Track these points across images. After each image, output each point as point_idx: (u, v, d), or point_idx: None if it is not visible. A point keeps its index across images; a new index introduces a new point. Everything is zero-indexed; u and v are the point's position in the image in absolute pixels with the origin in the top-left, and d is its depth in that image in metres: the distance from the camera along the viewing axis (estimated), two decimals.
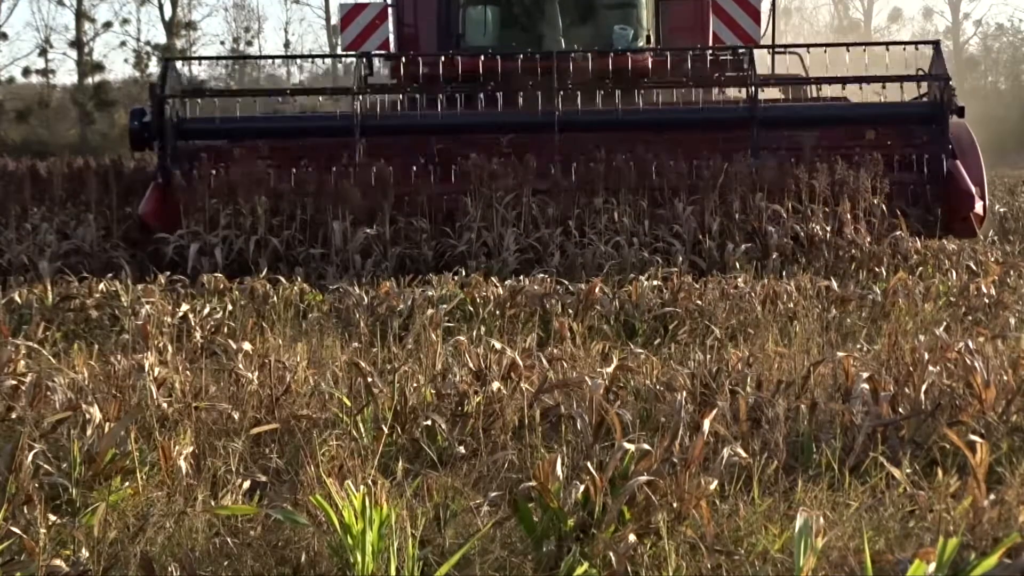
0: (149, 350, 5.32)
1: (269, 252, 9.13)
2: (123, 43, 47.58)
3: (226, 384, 4.83)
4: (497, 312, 6.68)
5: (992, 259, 9.03)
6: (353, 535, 2.96)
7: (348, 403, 4.41)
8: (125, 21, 44.88)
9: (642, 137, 9.66)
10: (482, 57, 10.01)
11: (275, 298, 7.13)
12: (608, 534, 3.11)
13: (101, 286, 7.44)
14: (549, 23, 11.20)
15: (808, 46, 11.40)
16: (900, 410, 4.25)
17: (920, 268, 8.73)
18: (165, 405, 4.41)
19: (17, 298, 7.11)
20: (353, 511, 2.97)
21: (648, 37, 11.60)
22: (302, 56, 47.05)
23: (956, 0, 55.67)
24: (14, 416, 4.37)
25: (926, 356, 4.77)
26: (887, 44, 10.66)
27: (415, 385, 4.54)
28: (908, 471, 3.66)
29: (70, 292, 7.31)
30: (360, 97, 9.78)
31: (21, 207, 9.78)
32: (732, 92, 11.07)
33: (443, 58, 10.22)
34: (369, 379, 4.46)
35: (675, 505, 3.25)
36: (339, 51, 13.62)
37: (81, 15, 41.46)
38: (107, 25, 43.04)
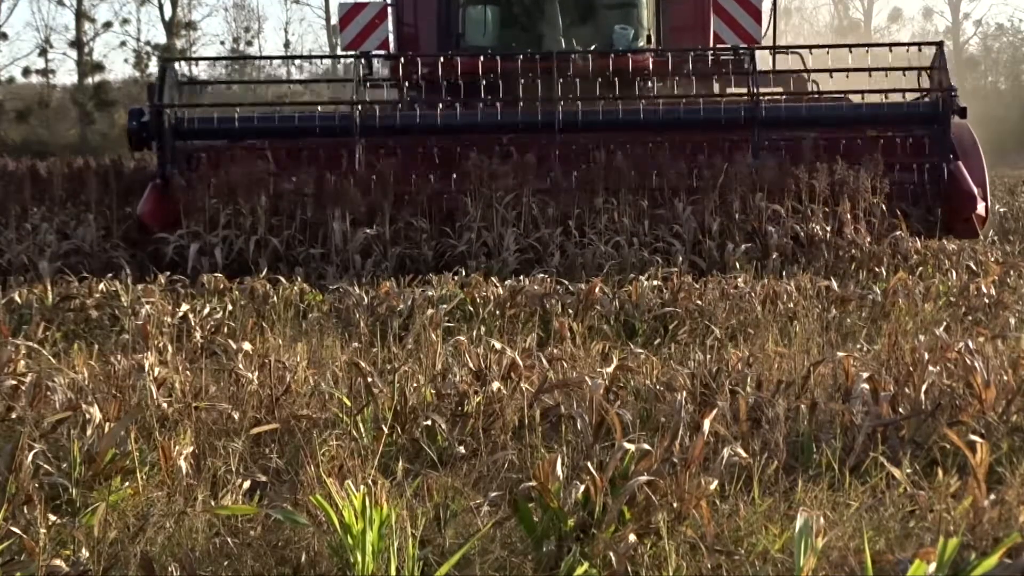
0: (149, 350, 5.32)
1: (269, 252, 9.13)
2: (123, 43, 47.58)
3: (226, 384, 4.83)
4: (497, 312, 6.68)
5: (992, 259, 9.03)
6: (353, 535, 2.96)
7: (348, 403, 4.41)
8: (125, 21, 44.90)
9: (643, 138, 9.65)
10: (481, 59, 9.99)
11: (275, 298, 7.13)
12: (608, 534, 3.11)
13: (101, 286, 7.44)
14: (549, 23, 11.18)
15: (811, 47, 11.32)
16: (900, 410, 4.25)
17: (920, 268, 8.73)
18: (165, 405, 4.41)
19: (17, 298, 7.11)
20: (353, 511, 2.97)
21: (649, 37, 11.56)
22: (301, 56, 47.06)
23: (956, 0, 55.68)
24: (14, 416, 4.37)
25: (926, 356, 4.77)
26: (891, 45, 10.61)
27: (415, 385, 4.54)
28: (908, 471, 3.66)
29: (70, 292, 7.31)
30: (359, 97, 9.76)
31: (21, 207, 9.77)
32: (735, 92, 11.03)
33: (442, 59, 10.20)
34: (369, 379, 4.46)
35: (675, 505, 3.25)
36: (339, 50, 13.59)
37: (81, 15, 41.46)
38: (107, 25, 43.05)
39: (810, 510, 2.90)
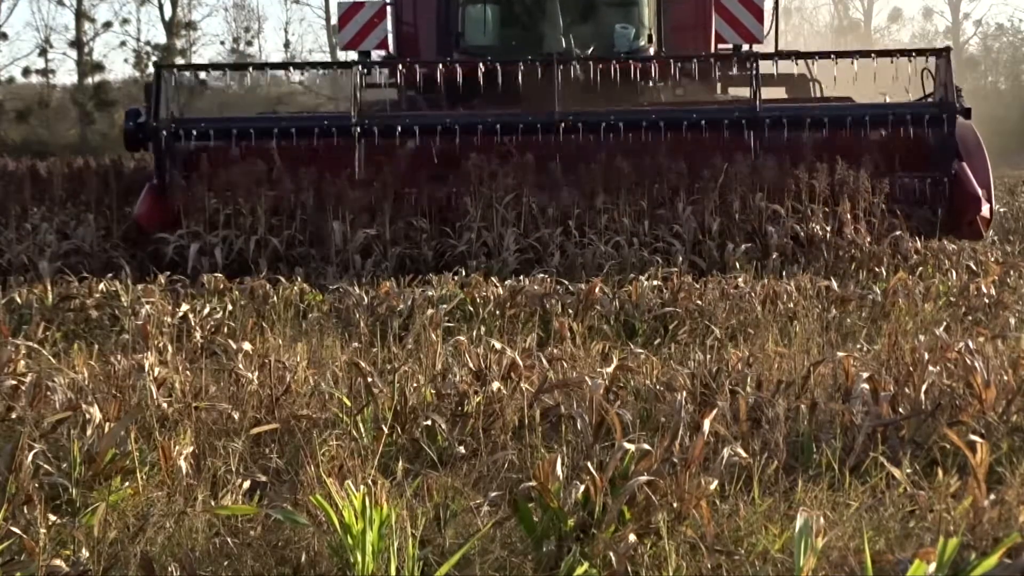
0: (149, 350, 5.32)
1: (269, 252, 9.13)
2: (123, 43, 47.50)
3: (226, 384, 4.83)
4: (497, 312, 6.68)
5: (992, 259, 9.03)
6: (353, 535, 2.96)
7: (348, 403, 4.41)
8: (125, 21, 44.78)
9: (645, 138, 9.62)
10: (481, 65, 9.96)
11: (275, 298, 7.12)
12: (608, 534, 3.11)
13: (101, 286, 7.44)
14: (550, 22, 11.15)
15: (815, 55, 11.09)
16: (900, 410, 4.25)
17: (920, 268, 8.72)
18: (165, 405, 4.41)
19: (17, 298, 7.11)
20: (353, 511, 2.97)
21: (650, 36, 11.53)
22: (299, 65, 46.99)
23: (956, 0, 55.68)
24: (14, 416, 4.37)
25: (926, 356, 4.77)
26: (895, 53, 10.51)
27: (415, 385, 4.54)
28: (908, 471, 3.66)
29: (70, 292, 7.31)
30: (358, 98, 9.75)
31: (21, 207, 9.77)
32: (736, 92, 11.03)
33: (441, 66, 10.17)
34: (369, 379, 4.46)
35: (675, 505, 3.25)
36: (338, 50, 13.58)
37: (81, 15, 41.42)
38: (107, 25, 42.99)
39: (810, 510, 2.90)
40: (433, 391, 4.53)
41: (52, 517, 3.29)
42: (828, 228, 9.12)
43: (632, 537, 3.02)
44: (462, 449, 4.12)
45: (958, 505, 3.30)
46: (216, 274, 7.97)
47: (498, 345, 5.18)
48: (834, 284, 7.46)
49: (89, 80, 38.72)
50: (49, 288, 7.37)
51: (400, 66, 10.55)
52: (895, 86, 10.04)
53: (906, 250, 9.00)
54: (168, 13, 43.39)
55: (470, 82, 9.97)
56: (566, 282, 7.52)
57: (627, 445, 3.34)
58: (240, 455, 3.91)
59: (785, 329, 6.21)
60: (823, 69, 10.61)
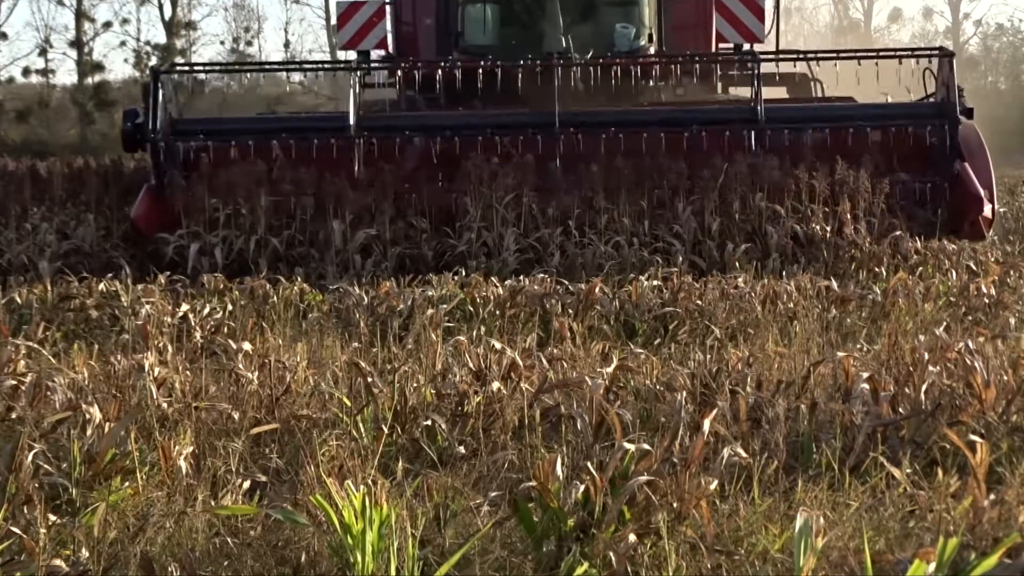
0: (149, 350, 5.32)
1: (269, 252, 9.12)
2: (123, 43, 47.39)
3: (226, 384, 4.83)
4: (497, 312, 6.68)
5: (992, 259, 9.02)
6: (353, 535, 2.96)
7: (348, 403, 4.41)
8: (125, 21, 44.70)
9: (645, 138, 9.61)
10: (481, 65, 9.94)
11: (275, 298, 7.12)
12: (608, 534, 3.11)
13: (101, 286, 7.44)
14: (550, 21, 11.12)
15: (816, 54, 11.06)
16: (900, 410, 4.25)
17: (920, 268, 8.72)
18: (165, 405, 4.41)
19: (17, 298, 7.11)
20: (353, 511, 2.97)
21: (650, 35, 11.50)
22: (302, 62, 46.99)
23: (956, 0, 55.67)
24: (14, 416, 4.37)
25: (926, 356, 4.77)
26: (897, 52, 10.48)
27: (415, 385, 4.54)
28: (908, 471, 3.66)
29: (70, 292, 7.31)
30: (356, 98, 9.73)
31: (21, 207, 9.77)
32: (736, 91, 11.01)
33: (441, 66, 10.15)
34: (369, 379, 4.46)
35: (675, 505, 3.25)
36: (337, 49, 13.56)
37: (81, 15, 41.40)
38: (107, 25, 42.96)
39: (810, 510, 2.90)
40: (433, 391, 4.53)
41: (52, 517, 3.29)
42: (828, 228, 9.11)
43: (632, 537, 3.02)
44: (462, 449, 4.12)
45: (958, 505, 3.30)
46: (216, 274, 7.97)
47: (498, 345, 5.18)
48: (834, 284, 7.46)
49: (89, 80, 38.70)
50: (49, 288, 7.37)
51: (399, 72, 10.54)
52: (897, 86, 10.01)
53: (906, 250, 8.99)
54: (168, 13, 43.37)
55: (470, 82, 9.96)
56: (566, 282, 7.52)
57: (627, 445, 3.34)
58: (240, 455, 3.91)
59: (785, 329, 6.21)
60: (824, 69, 10.59)
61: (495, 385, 4.48)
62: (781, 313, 6.61)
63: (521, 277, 7.92)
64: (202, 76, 17.37)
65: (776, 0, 12.16)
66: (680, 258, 8.81)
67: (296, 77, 36.17)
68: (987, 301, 7.01)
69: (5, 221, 9.63)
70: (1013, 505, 3.26)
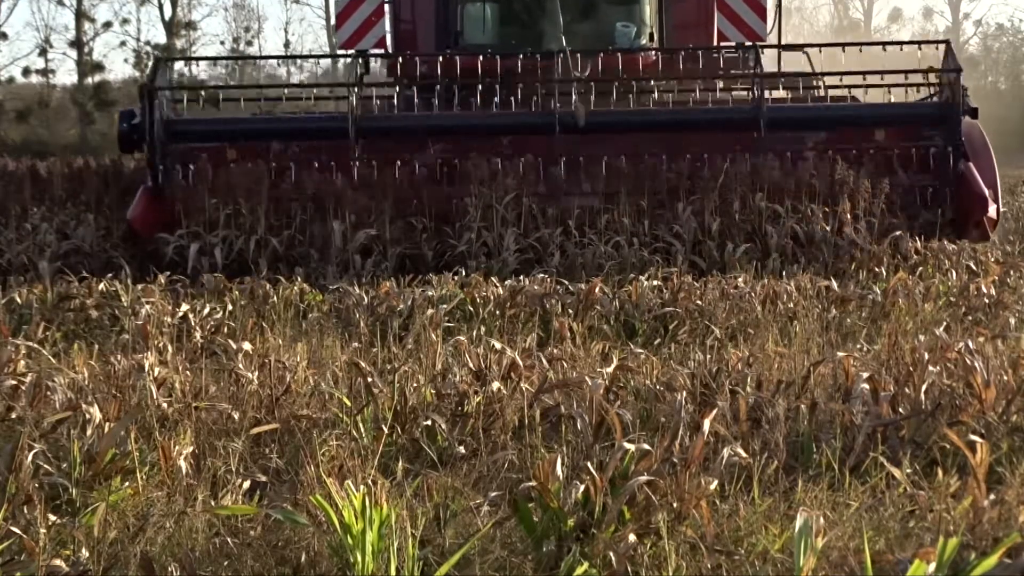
0: (149, 350, 5.32)
1: (269, 252, 9.12)
2: (123, 43, 47.53)
3: (226, 384, 4.83)
4: (497, 312, 6.68)
5: (992, 259, 9.02)
6: (353, 535, 2.96)
7: (348, 403, 4.41)
8: (125, 21, 44.84)
9: (644, 138, 9.60)
10: (481, 58, 9.92)
11: (275, 298, 7.12)
12: (608, 534, 3.11)
13: (101, 286, 7.44)
14: (550, 20, 11.09)
15: (818, 46, 11.07)
16: (900, 410, 4.25)
17: (920, 268, 8.72)
18: (165, 405, 4.41)
19: (17, 298, 7.11)
20: (353, 511, 2.97)
21: (651, 35, 11.47)
22: (299, 56, 47.03)
23: (956, 0, 55.70)
24: (14, 416, 4.37)
25: (926, 356, 4.77)
26: (900, 44, 10.44)
27: (415, 385, 4.54)
28: (908, 471, 3.66)
29: (70, 292, 7.31)
30: (356, 91, 9.70)
31: (21, 207, 9.77)
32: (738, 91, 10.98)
33: (441, 59, 10.12)
34: (369, 379, 4.46)
35: (675, 505, 3.25)
36: (336, 50, 13.54)
37: (81, 15, 41.45)
38: (107, 25, 43.04)
39: (810, 510, 2.90)
40: (433, 391, 4.53)
41: (52, 517, 3.29)
42: (828, 228, 9.11)
43: (632, 537, 3.02)
44: (462, 449, 4.12)
45: (958, 505, 3.30)
46: (216, 274, 7.97)
47: (498, 345, 5.18)
48: (834, 284, 7.46)
49: (89, 80, 38.74)
50: (49, 288, 7.37)
51: (398, 66, 10.50)
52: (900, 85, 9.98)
53: (906, 250, 8.98)
54: (168, 13, 43.42)
55: (469, 80, 9.93)
56: (566, 282, 7.52)
57: (627, 445, 3.34)
58: (240, 455, 3.91)
59: (785, 329, 6.21)
60: (827, 68, 10.55)
61: (495, 385, 4.48)
62: (781, 313, 6.61)
63: (521, 277, 7.92)
64: (203, 77, 17.31)
65: None
66: (680, 258, 8.81)
67: (296, 77, 36.17)
68: (987, 301, 7.01)
69: (5, 221, 9.64)
70: (1013, 505, 3.26)
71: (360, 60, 10.86)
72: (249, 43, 49.04)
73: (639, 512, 3.22)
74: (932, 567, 2.61)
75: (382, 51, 12.10)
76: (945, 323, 6.43)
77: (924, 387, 4.39)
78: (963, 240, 9.42)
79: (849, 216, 9.17)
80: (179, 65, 43.34)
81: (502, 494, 3.51)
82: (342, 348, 5.77)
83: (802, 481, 3.67)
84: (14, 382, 4.58)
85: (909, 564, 2.65)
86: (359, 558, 2.95)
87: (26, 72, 40.80)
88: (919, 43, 10.41)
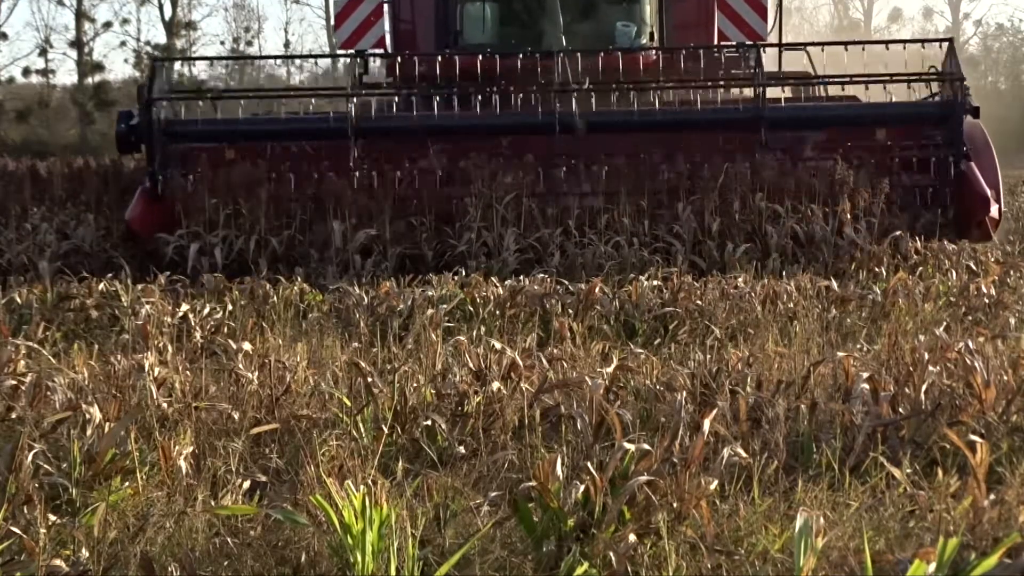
0: (149, 350, 5.32)
1: (269, 252, 9.12)
2: (123, 43, 47.57)
3: (226, 384, 4.83)
4: (497, 312, 6.68)
5: (992, 259, 9.02)
6: (353, 535, 2.96)
7: (348, 403, 4.41)
8: (125, 21, 44.82)
9: (644, 138, 9.58)
10: (480, 57, 9.90)
11: (275, 298, 7.12)
12: (608, 534, 3.11)
13: (101, 286, 7.44)
14: (550, 19, 11.07)
15: (820, 44, 11.02)
16: (900, 410, 4.25)
17: (920, 268, 8.72)
18: (165, 405, 4.41)
19: (17, 298, 7.11)
20: (353, 511, 2.97)
21: (651, 34, 11.45)
22: (298, 56, 47.02)
23: (956, 0, 55.71)
24: (14, 416, 4.37)
25: (926, 356, 4.77)
26: (903, 42, 10.39)
27: (415, 385, 4.54)
28: (908, 471, 3.66)
29: (70, 292, 7.31)
30: (354, 99, 9.69)
31: (21, 207, 9.78)
32: (738, 91, 10.97)
33: (440, 58, 10.09)
34: (369, 379, 4.46)
35: (675, 505, 3.25)
36: (336, 49, 13.51)
37: (81, 15, 41.44)
38: (107, 25, 43.03)
39: (810, 510, 2.90)
40: (433, 391, 4.53)
41: (52, 517, 3.29)
42: (828, 228, 9.11)
43: (632, 537, 3.02)
44: (462, 449, 4.12)
45: (958, 505, 3.30)
46: (216, 274, 7.97)
47: (498, 345, 5.18)
48: (834, 284, 7.46)
49: (89, 80, 38.73)
50: (49, 288, 7.37)
51: (397, 66, 10.49)
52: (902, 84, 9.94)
53: (906, 250, 8.98)
54: (168, 13, 43.42)
55: (468, 80, 9.92)
56: (566, 282, 7.51)
57: (627, 445, 3.34)
58: (240, 455, 3.91)
59: (785, 329, 6.21)
60: (828, 67, 10.52)
61: (495, 385, 4.48)
62: (781, 313, 6.61)
63: (521, 277, 7.92)
64: (203, 76, 17.28)
65: None
66: (680, 258, 8.81)
67: (296, 77, 36.16)
68: (987, 301, 7.01)
69: (5, 221, 9.64)
70: (1013, 505, 3.26)
71: (359, 60, 10.84)
72: (249, 43, 49.02)
73: (639, 512, 3.22)
74: (932, 567, 2.61)
75: (381, 51, 12.08)
76: (945, 323, 6.43)
77: (924, 387, 4.39)
78: (966, 240, 9.39)
79: (849, 216, 9.17)
80: (178, 64, 43.34)
81: (502, 494, 3.51)
82: (342, 348, 5.77)
83: (802, 481, 3.67)
84: (14, 382, 4.58)
85: (909, 564, 2.65)
86: (359, 558, 2.95)
87: (26, 72, 40.79)
88: (922, 41, 10.37)
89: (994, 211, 9.38)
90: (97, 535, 3.24)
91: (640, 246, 8.97)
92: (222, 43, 50.98)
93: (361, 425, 4.16)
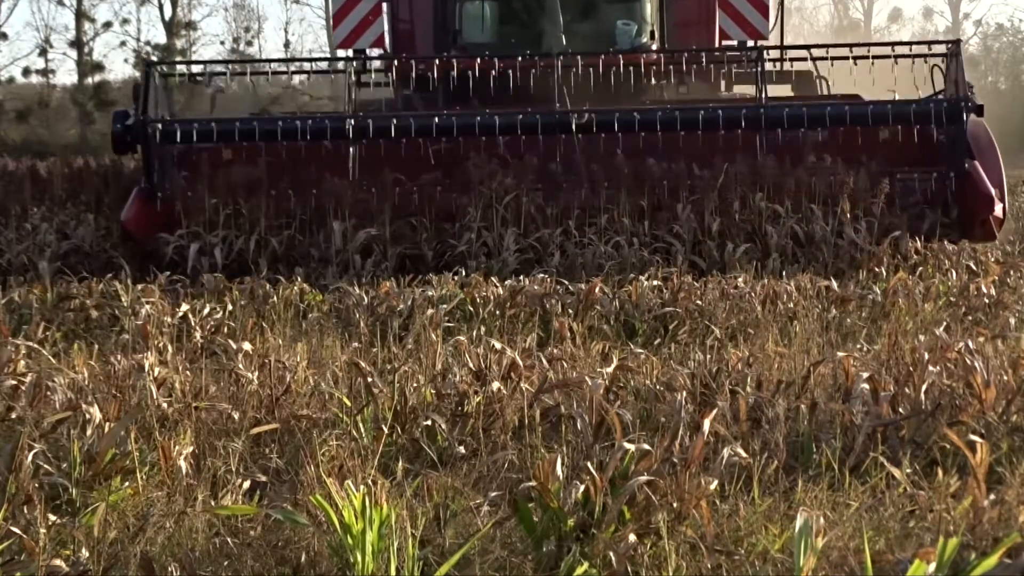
0: (149, 350, 5.32)
1: (269, 252, 9.12)
2: (123, 43, 47.55)
3: (226, 384, 4.83)
4: (497, 312, 6.68)
5: (992, 259, 9.02)
6: (353, 535, 2.96)
7: (348, 403, 4.41)
8: (125, 21, 44.70)
9: (646, 138, 9.56)
10: (479, 60, 9.88)
11: (275, 298, 7.12)
12: (608, 534, 3.12)
13: (101, 286, 7.44)
14: (550, 19, 11.03)
15: (824, 46, 10.93)
16: (900, 410, 4.25)
17: (920, 268, 8.71)
18: (165, 405, 4.41)
19: (17, 298, 7.11)
20: (353, 511, 2.97)
21: (652, 33, 11.42)
22: (294, 60, 46.92)
23: (956, 0, 55.70)
24: (14, 416, 4.37)
25: (926, 356, 4.77)
26: (909, 44, 10.33)
27: (415, 385, 4.54)
28: (908, 471, 3.66)
29: (70, 292, 7.31)
30: (352, 99, 9.66)
31: (21, 207, 9.77)
32: (740, 90, 10.97)
33: (438, 62, 10.06)
34: (369, 379, 4.46)
35: (675, 505, 3.25)
36: (336, 50, 13.46)
37: (81, 15, 41.40)
38: (107, 25, 42.96)
39: (810, 510, 2.90)
40: (433, 391, 4.53)
41: (52, 517, 3.29)
42: (828, 228, 9.10)
43: (632, 537, 3.02)
44: (462, 449, 4.12)
45: (958, 505, 3.30)
46: (216, 274, 7.97)
47: (498, 345, 5.18)
48: (834, 284, 7.46)
49: (89, 80, 38.68)
50: (49, 288, 7.37)
51: (395, 64, 10.45)
52: (904, 84, 9.91)
53: (906, 250, 8.97)
54: (168, 13, 43.38)
55: (467, 81, 9.90)
56: (566, 282, 7.51)
57: (627, 445, 3.34)
58: (240, 455, 3.91)
59: (785, 329, 6.21)
60: (831, 66, 10.47)
61: (495, 385, 4.48)
62: (781, 313, 6.61)
63: (521, 277, 7.92)
64: (202, 77, 17.20)
65: None
66: (680, 258, 8.81)
67: (297, 78, 36.09)
68: (987, 301, 7.01)
69: (5, 221, 9.64)
70: (1013, 505, 3.26)
71: (354, 64, 10.81)
72: (249, 43, 48.96)
73: (639, 512, 3.22)
74: (932, 567, 2.61)
75: (380, 50, 12.05)
76: (945, 323, 6.43)
77: (924, 387, 4.39)
78: (970, 240, 9.34)
79: (849, 216, 9.16)
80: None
81: (502, 494, 3.51)
82: (342, 348, 5.77)
83: (802, 481, 3.67)
84: (14, 382, 4.58)
85: (909, 564, 2.65)
86: (359, 558, 2.95)
87: (26, 72, 40.72)
88: (928, 43, 10.30)
89: (998, 210, 9.30)
90: (97, 535, 3.24)
91: (640, 246, 8.96)
92: (222, 43, 51.02)
93: (361, 425, 4.16)
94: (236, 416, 4.32)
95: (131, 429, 3.82)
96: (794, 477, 3.72)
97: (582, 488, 3.18)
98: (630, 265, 8.59)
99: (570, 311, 6.66)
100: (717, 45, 11.62)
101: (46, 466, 3.67)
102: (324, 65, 15.97)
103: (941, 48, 9.88)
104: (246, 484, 3.63)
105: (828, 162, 9.32)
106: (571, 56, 9.84)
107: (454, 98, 10.21)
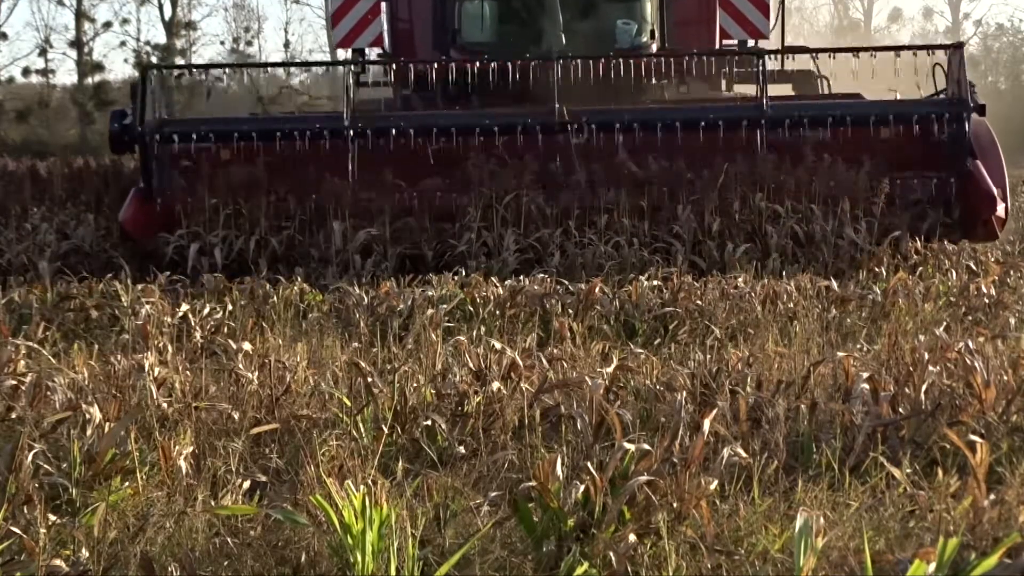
0: (149, 350, 5.32)
1: (269, 252, 9.12)
2: (123, 43, 47.51)
3: (226, 384, 4.83)
4: (497, 312, 6.68)
5: (992, 259, 9.01)
6: (353, 535, 2.96)
7: (348, 403, 4.41)
8: (125, 21, 44.69)
9: (646, 138, 9.55)
10: (478, 63, 9.86)
11: (275, 298, 7.12)
12: (608, 534, 3.12)
13: (101, 286, 7.44)
14: (549, 18, 10.99)
15: (828, 51, 10.83)
16: (900, 410, 4.25)
17: (920, 268, 8.71)
18: (165, 405, 4.41)
19: (17, 298, 7.11)
20: (353, 511, 2.97)
21: (652, 32, 11.39)
22: (293, 64, 47.01)
23: (956, 0, 55.69)
24: (14, 416, 4.37)
25: (926, 356, 4.77)
26: (913, 48, 10.30)
27: (415, 385, 4.54)
28: (908, 471, 3.66)
29: (70, 292, 7.31)
30: (351, 99, 9.65)
31: (21, 207, 9.78)
32: (740, 89, 10.95)
33: (436, 64, 10.03)
34: (369, 379, 4.46)
35: (675, 505, 3.25)
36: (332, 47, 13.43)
37: (81, 15, 41.39)
38: (107, 25, 42.95)
39: (810, 510, 2.90)
40: (433, 391, 4.53)
41: (52, 517, 3.29)
42: (828, 228, 9.09)
43: (632, 537, 3.02)
44: (462, 449, 4.12)
45: (958, 505, 3.30)
46: (216, 274, 7.96)
47: (498, 345, 5.18)
48: (834, 284, 7.46)
49: (89, 80, 38.68)
50: (49, 288, 7.37)
51: (394, 64, 10.43)
52: (906, 82, 9.89)
53: (906, 250, 8.96)
54: (168, 13, 43.37)
55: (467, 80, 9.88)
56: (566, 282, 7.51)
57: (627, 445, 3.34)
58: (240, 455, 3.91)
59: (785, 329, 6.21)
60: (832, 65, 10.44)
61: (495, 385, 4.49)
62: (781, 313, 6.61)
63: (521, 277, 7.91)
64: (201, 76, 17.18)
65: None
66: (680, 258, 8.80)
67: (297, 78, 36.12)
68: (987, 301, 7.01)
69: (5, 221, 9.64)
70: (1013, 505, 3.26)
71: (357, 58, 10.80)
72: (249, 43, 48.95)
73: (639, 512, 3.22)
74: (932, 567, 2.62)
75: (379, 50, 12.04)
76: (945, 323, 6.43)
77: (924, 387, 4.39)
78: (972, 240, 9.31)
79: (849, 216, 9.15)
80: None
81: (502, 494, 3.51)
82: (342, 348, 5.77)
83: (802, 481, 3.67)
84: (14, 382, 4.58)
85: (909, 564, 2.65)
86: (359, 558, 2.95)
87: (26, 72, 40.72)
88: (930, 47, 10.26)
89: (1000, 210, 9.26)
90: (97, 535, 3.24)
91: (640, 246, 8.96)
92: (222, 43, 51.03)
93: (361, 425, 4.16)
94: (236, 416, 4.32)
95: (131, 429, 3.82)
96: (794, 477, 3.72)
97: (582, 488, 3.18)
98: (630, 265, 8.59)
99: (570, 311, 6.66)
100: (718, 44, 11.61)
101: (46, 466, 3.67)
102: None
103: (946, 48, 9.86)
104: (246, 484, 3.63)
105: (829, 162, 9.31)
106: (570, 58, 9.82)
107: (453, 97, 10.20)
